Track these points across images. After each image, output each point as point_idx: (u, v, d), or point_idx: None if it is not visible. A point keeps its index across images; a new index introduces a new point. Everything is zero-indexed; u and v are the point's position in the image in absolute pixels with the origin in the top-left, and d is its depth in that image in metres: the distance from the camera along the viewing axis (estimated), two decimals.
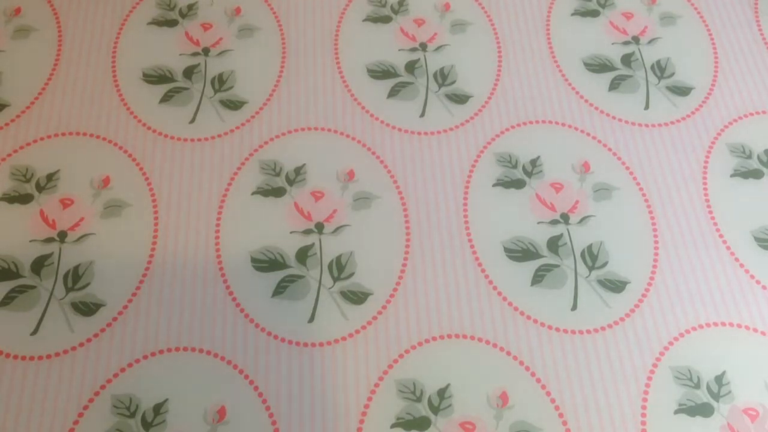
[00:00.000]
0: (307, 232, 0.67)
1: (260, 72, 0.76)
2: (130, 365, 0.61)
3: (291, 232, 0.67)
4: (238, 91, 0.75)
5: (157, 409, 0.59)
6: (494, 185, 0.71)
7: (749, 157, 0.74)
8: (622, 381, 0.62)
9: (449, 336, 0.63)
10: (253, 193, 0.69)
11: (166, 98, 0.74)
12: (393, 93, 0.76)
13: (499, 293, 0.66)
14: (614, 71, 0.79)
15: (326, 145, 0.72)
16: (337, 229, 0.68)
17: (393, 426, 0.60)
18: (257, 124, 0.73)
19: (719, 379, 0.63)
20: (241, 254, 0.66)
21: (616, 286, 0.67)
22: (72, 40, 0.77)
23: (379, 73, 0.77)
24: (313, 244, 0.67)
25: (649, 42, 0.81)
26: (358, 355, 0.62)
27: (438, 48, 0.79)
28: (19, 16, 0.78)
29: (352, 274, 0.66)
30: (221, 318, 0.63)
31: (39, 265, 0.64)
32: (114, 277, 0.64)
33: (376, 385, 0.61)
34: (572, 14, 0.82)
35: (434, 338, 0.63)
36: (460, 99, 0.76)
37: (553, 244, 0.68)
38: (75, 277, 0.64)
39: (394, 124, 0.74)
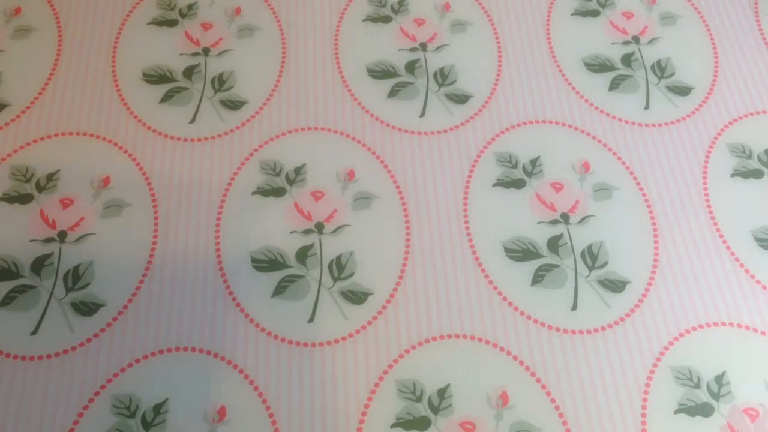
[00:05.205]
0: (307, 232, 0.67)
1: (260, 72, 0.76)
2: (130, 365, 0.61)
3: (291, 232, 0.67)
4: (238, 91, 0.75)
5: (157, 409, 0.59)
6: (494, 185, 0.71)
7: (749, 157, 0.74)
8: (622, 381, 0.62)
9: (449, 336, 0.63)
10: (253, 193, 0.69)
11: (166, 98, 0.74)
12: (393, 93, 0.76)
13: (499, 293, 0.66)
14: (614, 71, 0.79)
15: (326, 145, 0.72)
16: (337, 229, 0.68)
17: (393, 426, 0.60)
18: (257, 124, 0.73)
19: (719, 379, 0.63)
20: (241, 254, 0.66)
21: (616, 286, 0.67)
22: (72, 40, 0.77)
23: (379, 73, 0.77)
24: (313, 244, 0.67)
25: (649, 42, 0.81)
26: (358, 355, 0.62)
27: (438, 48, 0.79)
28: (19, 16, 0.78)
29: (352, 274, 0.66)
30: (221, 318, 0.63)
31: (39, 265, 0.64)
32: (114, 277, 0.64)
33: (376, 385, 0.61)
34: (572, 14, 0.82)
35: (434, 338, 0.63)
36: (460, 99, 0.76)
37: (553, 244, 0.68)
38: (75, 277, 0.64)
39: (394, 124, 0.74)
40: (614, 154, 0.73)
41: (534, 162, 0.73)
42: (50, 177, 0.69)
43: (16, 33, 0.77)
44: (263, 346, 0.62)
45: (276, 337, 0.62)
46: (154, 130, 0.72)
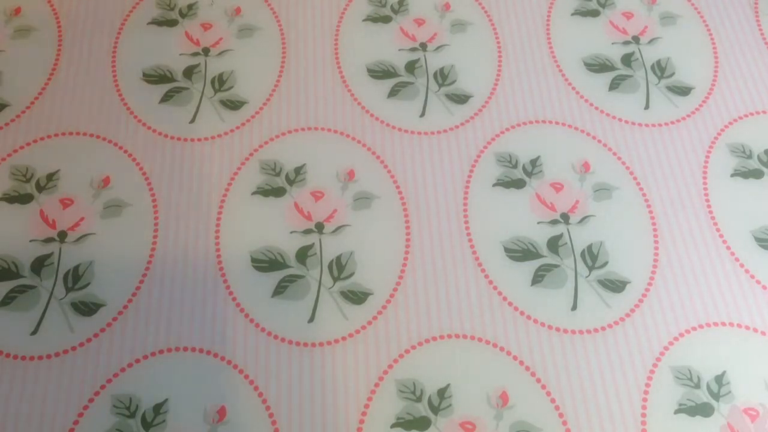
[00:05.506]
0: (307, 232, 0.67)
1: (260, 72, 0.76)
2: (130, 365, 0.61)
3: (291, 232, 0.67)
4: (238, 91, 0.75)
5: (157, 409, 0.59)
6: (494, 185, 0.71)
7: (749, 157, 0.74)
8: (622, 381, 0.62)
9: (449, 336, 0.63)
10: (253, 193, 0.69)
11: (166, 98, 0.74)
12: (393, 93, 0.76)
13: (499, 293, 0.66)
14: (614, 71, 0.79)
15: (326, 145, 0.72)
16: (337, 229, 0.68)
17: (393, 426, 0.60)
18: (257, 124, 0.73)
19: (719, 379, 0.63)
20: (241, 254, 0.66)
21: (616, 286, 0.67)
22: (72, 40, 0.77)
23: (379, 73, 0.77)
24: (313, 244, 0.67)
25: (649, 42, 0.81)
26: (358, 355, 0.62)
27: (438, 48, 0.79)
28: (19, 16, 0.78)
29: (352, 274, 0.66)
30: (221, 318, 0.63)
31: (39, 265, 0.64)
32: (114, 277, 0.64)
33: (376, 385, 0.61)
34: (572, 14, 0.82)
35: (434, 338, 0.63)
36: (460, 99, 0.76)
37: (553, 244, 0.68)
38: (75, 277, 0.64)
39: (394, 124, 0.74)
40: (614, 154, 0.73)
41: (534, 162, 0.73)
42: (50, 177, 0.69)
43: (16, 33, 0.77)
44: (263, 346, 0.62)
45: (276, 337, 0.63)
46: (154, 130, 0.72)
